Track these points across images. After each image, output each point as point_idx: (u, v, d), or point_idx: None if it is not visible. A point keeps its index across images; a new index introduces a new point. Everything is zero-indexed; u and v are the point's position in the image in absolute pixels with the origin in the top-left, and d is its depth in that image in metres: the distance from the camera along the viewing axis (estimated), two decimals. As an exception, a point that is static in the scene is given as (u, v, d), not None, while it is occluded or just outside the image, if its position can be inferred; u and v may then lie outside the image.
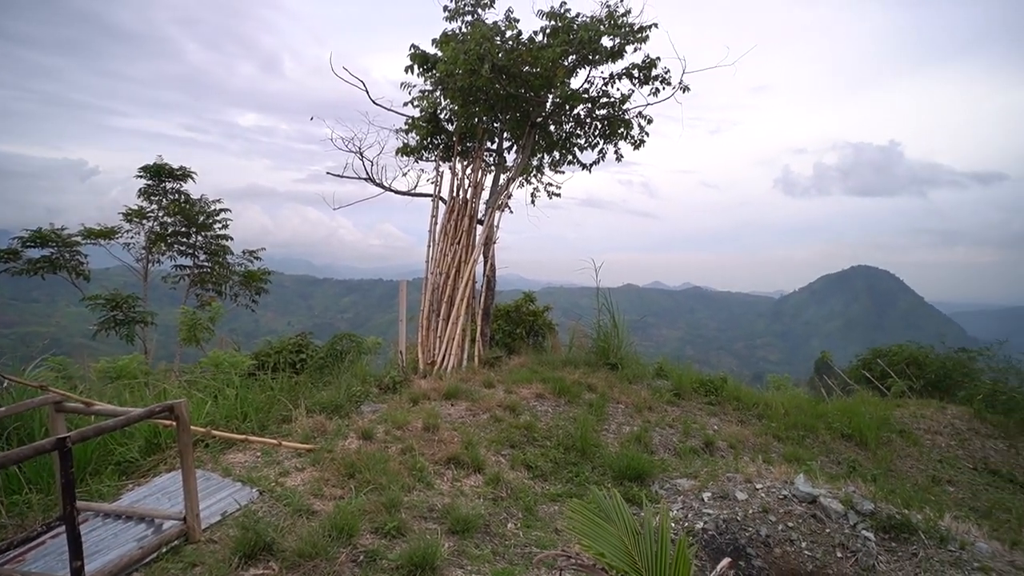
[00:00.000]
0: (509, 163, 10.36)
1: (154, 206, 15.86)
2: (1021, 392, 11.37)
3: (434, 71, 9.45)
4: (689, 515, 4.55)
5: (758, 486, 4.77)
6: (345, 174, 10.17)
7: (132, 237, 15.78)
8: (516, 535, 4.13)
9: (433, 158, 10.52)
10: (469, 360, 8.61)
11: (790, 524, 4.35)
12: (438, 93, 9.80)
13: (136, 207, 15.69)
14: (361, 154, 9.89)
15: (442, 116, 10.15)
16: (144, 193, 15.76)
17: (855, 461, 7.25)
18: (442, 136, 10.36)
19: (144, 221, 15.77)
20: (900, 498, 5.23)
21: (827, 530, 4.28)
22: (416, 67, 9.72)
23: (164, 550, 3.44)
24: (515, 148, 10.38)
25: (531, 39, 8.98)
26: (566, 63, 8.98)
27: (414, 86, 9.97)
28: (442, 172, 10.12)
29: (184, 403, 3.60)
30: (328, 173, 10.27)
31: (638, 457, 5.43)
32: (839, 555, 4.10)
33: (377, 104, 9.99)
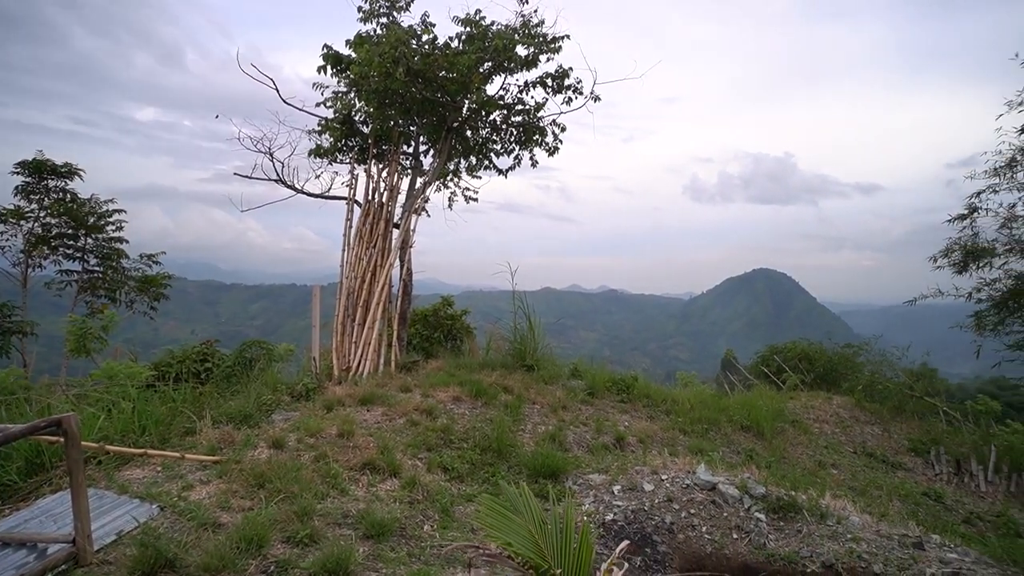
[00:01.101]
0: (426, 167, 10.36)
1: (34, 206, 14.52)
2: (893, 382, 12.64)
3: (348, 72, 9.29)
4: (600, 508, 4.76)
5: (664, 477, 5.06)
6: (254, 175, 9.79)
7: (7, 240, 14.38)
8: (432, 536, 4.16)
9: (348, 160, 10.34)
10: (386, 365, 8.53)
11: (692, 511, 4.65)
12: (352, 95, 9.64)
13: (12, 207, 14.30)
14: (271, 155, 9.57)
15: (357, 118, 10.00)
16: (22, 191, 14.40)
17: (752, 450, 7.82)
18: (357, 138, 10.20)
19: (22, 222, 14.40)
20: (789, 481, 5.72)
21: (725, 514, 4.61)
22: (329, 68, 9.52)
23: (50, 576, 3.21)
24: (432, 152, 10.38)
25: (447, 44, 9.04)
26: (482, 70, 9.10)
27: (327, 87, 9.77)
28: (357, 175, 9.97)
29: (73, 417, 3.38)
30: (235, 174, 9.86)
31: (552, 455, 5.60)
32: (735, 536, 4.43)
33: (288, 104, 9.71)
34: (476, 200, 11.84)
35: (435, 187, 11.33)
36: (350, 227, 9.48)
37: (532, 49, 8.96)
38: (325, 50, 9.44)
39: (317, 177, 10.11)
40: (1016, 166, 9.65)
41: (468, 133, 10.32)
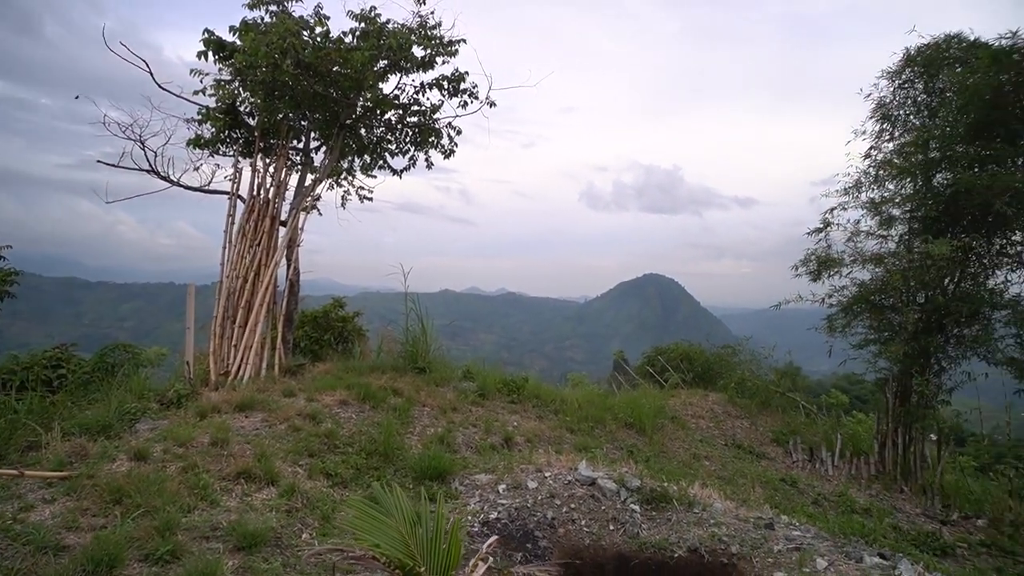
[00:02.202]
0: (317, 164, 10.00)
1: None
2: (761, 380, 13.82)
3: (232, 61, 8.77)
4: (485, 507, 4.83)
5: (547, 475, 5.22)
6: (122, 164, 8.97)
7: None
8: (311, 545, 4.02)
9: (231, 153, 9.74)
10: (269, 369, 8.13)
11: (573, 506, 4.83)
12: (237, 84, 9.11)
13: None
14: (142, 143, 8.82)
15: (242, 109, 9.46)
16: None
17: (634, 446, 8.25)
18: (242, 130, 9.64)
19: None
20: (665, 474, 6.09)
21: (603, 507, 4.84)
22: (211, 54, 8.93)
23: None
24: (324, 149, 10.04)
25: (340, 39, 8.79)
26: (377, 67, 8.94)
27: (207, 74, 9.15)
28: (241, 169, 9.42)
29: None
30: (99, 162, 9.00)
31: (440, 457, 5.61)
32: (612, 528, 4.66)
33: (164, 89, 8.99)
34: (371, 199, 11.59)
35: (327, 185, 10.96)
36: (232, 223, 8.94)
37: (429, 51, 8.92)
38: (206, 35, 8.86)
39: (196, 169, 9.44)
40: (861, 187, 10.88)
41: (362, 131, 10.08)
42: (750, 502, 5.77)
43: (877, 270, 10.41)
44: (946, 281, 9.90)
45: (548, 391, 9.06)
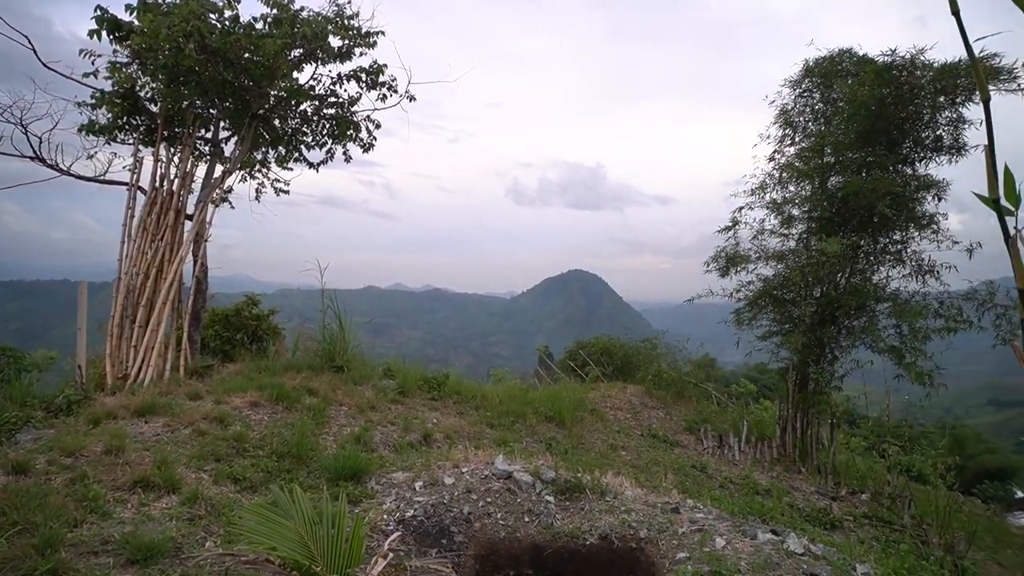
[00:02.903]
0: (227, 154, 9.52)
1: None
2: (676, 371, 14.43)
3: (130, 42, 8.18)
4: (401, 505, 4.79)
5: (464, 470, 5.24)
6: (1, 149, 8.20)
7: None
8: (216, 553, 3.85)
9: (131, 141, 9.10)
10: (173, 371, 7.68)
11: (489, 500, 4.87)
12: (136, 67, 8.51)
13: None
14: (24, 127, 8.09)
15: (143, 94, 8.85)
16: None
17: (553, 438, 8.42)
18: (143, 117, 9.02)
19: None
20: (582, 465, 6.25)
21: (518, 500, 4.91)
22: (106, 34, 8.29)
23: None
24: (236, 139, 9.57)
25: (251, 25, 8.41)
26: (291, 56, 8.62)
27: (100, 55, 8.49)
28: (142, 158, 8.84)
29: None
30: (-28, 147, 8.17)
31: (356, 456, 5.50)
32: (527, 519, 4.74)
33: (50, 68, 8.27)
34: (287, 192, 11.19)
35: (239, 177, 10.48)
36: (132, 216, 8.38)
37: (346, 41, 8.70)
38: (99, 12, 8.21)
39: (90, 158, 8.77)
40: (766, 188, 11.57)
41: (276, 122, 9.70)
42: (661, 488, 6.03)
43: (779, 266, 11.11)
44: (838, 277, 10.70)
45: (469, 387, 9.08)
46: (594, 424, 10.14)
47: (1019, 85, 8.83)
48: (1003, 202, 1.48)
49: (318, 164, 10.17)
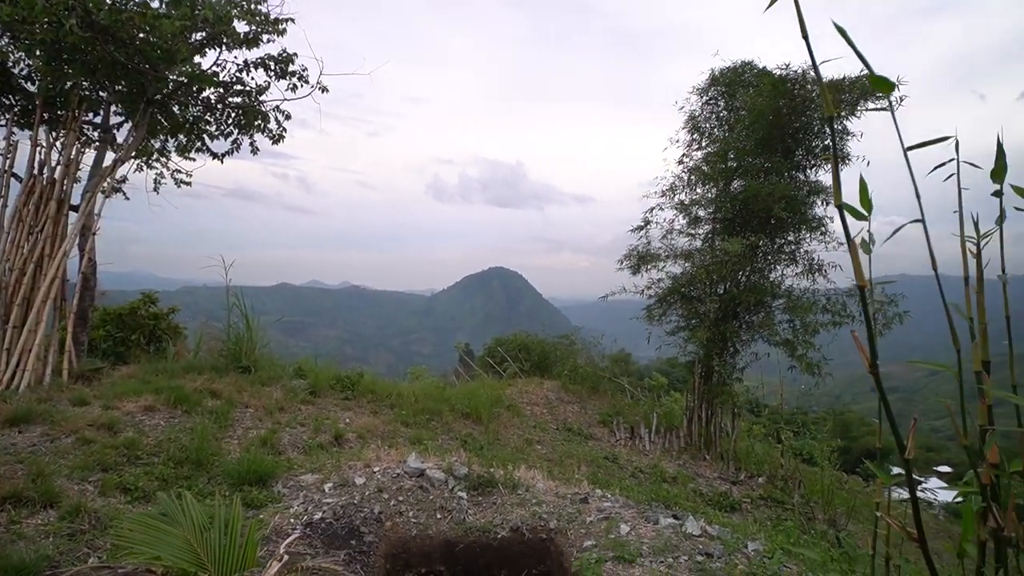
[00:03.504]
0: (121, 141, 8.84)
1: None
2: (592, 366, 14.83)
3: None
4: (309, 507, 4.64)
5: (376, 470, 5.15)
6: None
7: None
8: (100, 570, 3.58)
9: (3, 123, 8.27)
10: (55, 375, 7.05)
11: (401, 498, 4.82)
12: (6, 40, 7.73)
13: None
14: None
15: (16, 71, 8.05)
16: None
17: (469, 435, 8.43)
18: (17, 96, 8.22)
19: None
20: (497, 460, 6.30)
21: (431, 497, 4.89)
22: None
23: None
24: (130, 125, 8.90)
25: (146, 3, 7.83)
26: (192, 40, 8.12)
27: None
28: (16, 142, 8.04)
29: None
30: None
31: (262, 460, 5.28)
32: (439, 516, 4.73)
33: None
34: (189, 184, 10.56)
35: (133, 166, 9.77)
36: (5, 207, 7.61)
37: (253, 27, 8.29)
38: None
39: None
40: (676, 190, 12.10)
41: (176, 108, 9.10)
42: (573, 480, 6.18)
43: (687, 265, 11.67)
44: (740, 275, 11.37)
45: (384, 385, 8.93)
46: (511, 420, 10.25)
47: (890, 103, 9.72)
48: (859, 207, 1.63)
49: (223, 155, 9.64)
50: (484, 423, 9.20)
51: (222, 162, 9.69)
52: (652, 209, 12.16)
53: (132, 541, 1.99)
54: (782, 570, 3.68)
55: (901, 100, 9.96)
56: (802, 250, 11.12)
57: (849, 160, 10.66)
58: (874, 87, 1.28)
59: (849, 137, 10.61)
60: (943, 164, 1.55)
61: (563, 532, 4.37)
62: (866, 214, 1.68)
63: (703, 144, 12.28)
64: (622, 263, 12.15)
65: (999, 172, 1.21)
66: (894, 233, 1.48)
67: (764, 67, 11.39)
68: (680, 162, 12.27)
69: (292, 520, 4.41)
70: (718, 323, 11.09)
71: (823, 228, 10.84)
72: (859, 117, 10.37)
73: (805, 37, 1.22)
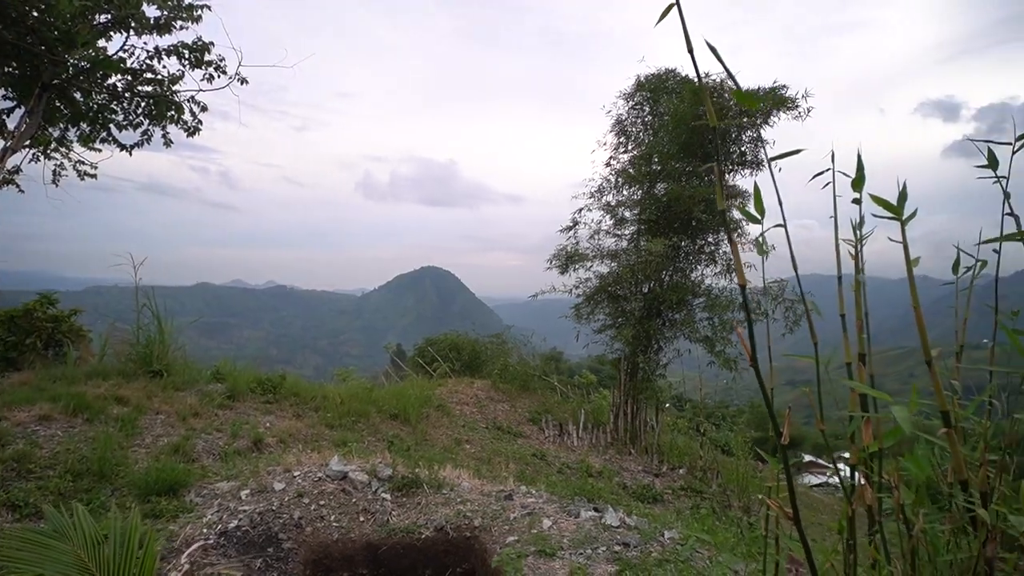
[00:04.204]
0: (12, 128, 8.15)
1: None
2: (522, 364, 14.95)
3: None
4: (224, 516, 4.45)
5: (296, 474, 5.01)
6: None
7: None
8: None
9: None
10: (-65, 384, 6.43)
11: (322, 502, 4.71)
12: None
13: None
14: None
15: None
16: None
17: (396, 436, 8.32)
18: None
19: None
20: (424, 460, 6.25)
21: (354, 500, 4.80)
22: None
23: None
24: (23, 111, 8.21)
25: (42, -19, 7.27)
26: (95, 22, 7.60)
27: None
28: None
29: None
30: None
31: (173, 468, 5.01)
32: (362, 519, 4.65)
33: None
34: (94, 176, 9.87)
35: (28, 156, 9.04)
36: None
37: (165, 12, 7.85)
38: None
39: None
40: (603, 191, 12.41)
41: (78, 95, 8.48)
42: (500, 478, 6.23)
43: (613, 264, 11.99)
44: (663, 274, 11.79)
45: (308, 387, 8.67)
46: (440, 420, 10.19)
47: (799, 113, 10.37)
48: (752, 211, 1.73)
49: (132, 146, 9.07)
50: (412, 424, 9.11)
51: (131, 154, 9.12)
52: (580, 210, 12.43)
53: (13, 559, 1.84)
54: (694, 555, 3.86)
55: (809, 111, 10.65)
56: (721, 251, 11.65)
57: (763, 167, 11.26)
58: (738, 100, 1.37)
59: (763, 144, 11.22)
60: (821, 173, 1.68)
61: (487, 529, 4.40)
62: (759, 218, 1.80)
63: (629, 147, 12.65)
64: (551, 263, 12.33)
65: (858, 183, 1.33)
66: (764, 231, 1.58)
67: (686, 75, 11.86)
68: (608, 164, 12.59)
69: (205, 530, 4.22)
70: (643, 321, 11.46)
71: (740, 229, 11.40)
72: (772, 126, 10.98)
73: (690, 51, 1.29)
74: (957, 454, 1.24)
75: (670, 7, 1.29)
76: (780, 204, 1.41)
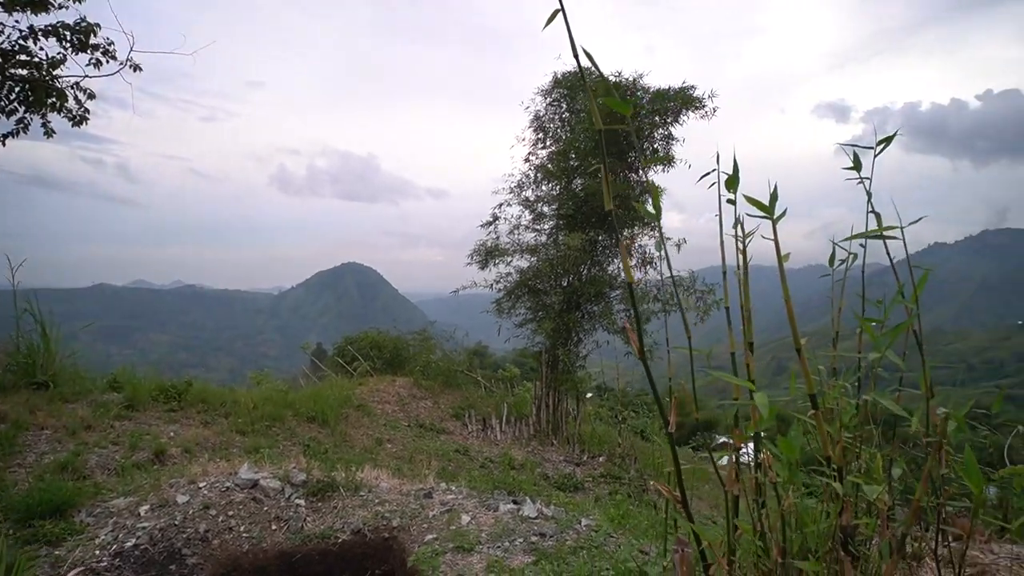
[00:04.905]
0: None
1: None
2: (445, 360, 14.87)
3: None
4: (120, 535, 4.16)
5: (202, 485, 4.75)
6: None
7: None
8: None
9: None
10: None
11: (231, 513, 4.49)
12: None
13: None
14: None
15: None
16: None
17: (313, 439, 8.07)
18: None
19: None
20: (341, 463, 6.09)
21: (265, 508, 4.61)
22: None
23: None
24: None
25: None
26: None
27: None
28: None
29: None
30: None
31: (60, 487, 4.61)
32: (274, 528, 4.47)
33: None
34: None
35: None
36: None
37: (38, -13, 7.17)
38: None
39: None
40: (523, 187, 12.53)
41: (-62, 76, 7.61)
42: (420, 476, 6.17)
43: (533, 259, 12.15)
44: (581, 268, 12.07)
45: (217, 393, 8.23)
46: (360, 420, 9.98)
47: (706, 112, 10.89)
48: (649, 210, 1.79)
49: (5, 136, 8.23)
50: (331, 425, 8.86)
51: (3, 144, 8.28)
52: (501, 205, 12.50)
53: None
54: (608, 540, 3.99)
55: (715, 111, 11.21)
56: (637, 244, 12.05)
57: (674, 163, 11.74)
58: (611, 106, 1.41)
59: (673, 142, 11.69)
60: (708, 173, 1.77)
61: (406, 529, 4.36)
62: (655, 214, 1.87)
63: (548, 143, 12.83)
64: (471, 258, 12.34)
65: (732, 182, 1.41)
66: (662, 233, 1.65)
67: (600, 73, 12.15)
68: (527, 160, 12.72)
69: (98, 552, 3.93)
70: (562, 314, 11.69)
71: (654, 224, 11.85)
72: (682, 124, 11.46)
73: (576, 56, 1.32)
74: (822, 433, 1.35)
75: (555, 13, 1.31)
76: (658, 208, 1.47)
